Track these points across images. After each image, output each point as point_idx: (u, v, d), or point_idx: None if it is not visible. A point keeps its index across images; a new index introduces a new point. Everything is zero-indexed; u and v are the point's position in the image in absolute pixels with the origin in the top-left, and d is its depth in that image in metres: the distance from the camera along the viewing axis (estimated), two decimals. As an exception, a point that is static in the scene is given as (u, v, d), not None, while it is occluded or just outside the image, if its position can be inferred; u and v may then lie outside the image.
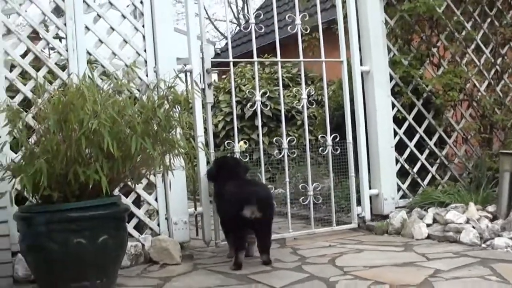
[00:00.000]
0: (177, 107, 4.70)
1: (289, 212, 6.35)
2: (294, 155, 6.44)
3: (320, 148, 6.59)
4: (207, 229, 5.97)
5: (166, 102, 4.60)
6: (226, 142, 6.29)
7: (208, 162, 5.93)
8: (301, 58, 6.58)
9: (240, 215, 5.01)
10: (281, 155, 6.33)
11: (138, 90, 5.04)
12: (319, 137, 6.70)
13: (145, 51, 5.73)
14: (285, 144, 6.28)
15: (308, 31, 6.70)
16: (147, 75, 5.67)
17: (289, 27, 6.53)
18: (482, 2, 7.47)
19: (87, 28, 5.47)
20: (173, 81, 4.69)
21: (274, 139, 6.49)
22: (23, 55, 5.31)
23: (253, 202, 5.03)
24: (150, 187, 5.77)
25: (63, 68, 5.38)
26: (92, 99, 4.22)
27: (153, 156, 4.53)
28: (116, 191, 4.99)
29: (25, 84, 5.21)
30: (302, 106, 6.53)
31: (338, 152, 6.55)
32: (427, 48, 7.23)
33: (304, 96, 6.50)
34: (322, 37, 6.66)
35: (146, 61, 5.72)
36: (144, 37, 5.74)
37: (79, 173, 4.21)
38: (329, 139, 6.51)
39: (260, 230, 5.18)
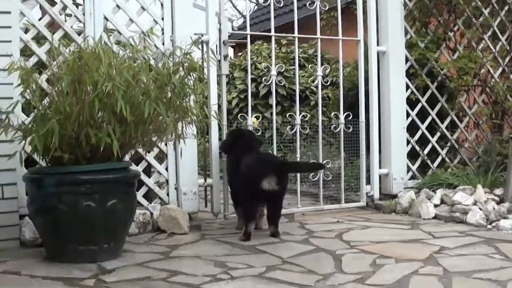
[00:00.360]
0: (192, 75, 4.72)
1: (299, 188, 6.37)
2: (306, 132, 6.45)
3: (333, 126, 6.59)
4: (216, 201, 6.00)
5: (181, 68, 4.62)
6: (239, 116, 6.28)
7: (220, 133, 5.95)
8: (318, 35, 6.57)
9: (258, 187, 5.03)
10: (293, 131, 6.34)
11: (154, 58, 5.04)
12: (332, 115, 6.70)
13: (162, 19, 5.71)
14: (298, 120, 6.29)
15: (327, 8, 6.68)
16: (163, 44, 5.66)
17: (308, 3, 6.52)
18: (501, -11, 7.46)
19: (105, -8, 5.48)
20: (189, 47, 4.71)
21: (287, 115, 6.49)
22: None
23: (272, 174, 5.05)
24: (161, 159, 5.79)
25: (79, 33, 5.39)
26: (107, 62, 4.23)
27: (166, 122, 4.56)
28: (127, 157, 5.01)
29: (39, 47, 5.22)
30: (317, 84, 6.52)
31: (350, 130, 6.56)
32: (444, 32, 7.24)
33: (320, 73, 6.48)
34: (341, 17, 6.64)
35: (163, 30, 5.71)
36: (162, 5, 5.72)
37: (91, 136, 4.23)
38: (342, 117, 6.52)
39: (274, 201, 5.21)
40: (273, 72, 6.26)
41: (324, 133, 6.73)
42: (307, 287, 3.70)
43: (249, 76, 6.39)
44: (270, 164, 5.22)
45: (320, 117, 6.50)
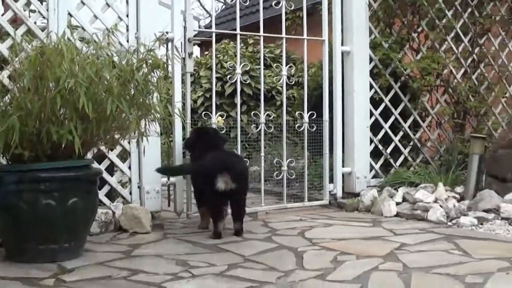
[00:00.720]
0: (156, 72, 4.71)
1: (263, 187, 6.36)
2: (271, 131, 6.46)
3: (297, 125, 6.61)
4: (179, 200, 5.98)
5: (145, 65, 4.60)
6: (203, 113, 6.28)
7: (184, 132, 5.94)
8: (284, 34, 6.58)
9: (214, 186, 5.03)
10: (257, 130, 6.34)
11: (118, 55, 5.01)
12: (296, 114, 6.72)
13: (127, 16, 5.70)
14: (262, 119, 6.29)
15: (292, 7, 6.70)
16: (128, 41, 5.63)
17: (273, 3, 6.52)
18: (464, -9, 7.56)
19: (69, -12, 5.43)
20: (153, 44, 4.69)
21: (252, 113, 6.49)
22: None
23: (227, 173, 5.04)
24: (124, 157, 5.76)
25: (43, 30, 5.32)
26: (70, 58, 4.20)
27: (129, 120, 4.54)
28: (89, 155, 4.98)
29: (2, 42, 5.15)
30: (282, 82, 6.54)
31: (314, 130, 6.58)
32: (408, 32, 7.32)
33: (284, 72, 6.50)
34: (307, 18, 6.66)
35: (127, 26, 5.70)
36: (127, 1, 5.70)
37: (52, 133, 4.18)
38: (306, 116, 6.53)
39: (235, 200, 5.20)
40: (238, 70, 6.26)
41: (289, 133, 6.74)
42: (268, 284, 3.71)
43: (214, 74, 6.38)
44: (226, 163, 5.20)
45: (285, 116, 6.50)
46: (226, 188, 5.03)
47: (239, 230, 5.22)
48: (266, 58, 10.69)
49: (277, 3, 6.49)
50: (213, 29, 6.31)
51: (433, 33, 7.32)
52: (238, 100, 6.37)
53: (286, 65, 6.53)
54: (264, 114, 6.32)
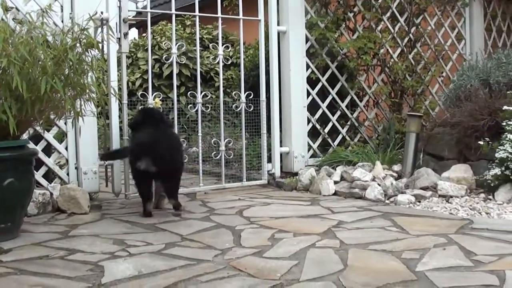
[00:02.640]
0: (90, 52, 4.66)
1: (201, 168, 6.38)
2: (209, 111, 6.46)
3: (234, 106, 6.63)
4: (117, 181, 5.97)
5: (78, 45, 4.55)
6: (140, 95, 6.24)
7: (120, 114, 5.90)
8: (219, 14, 6.57)
9: (138, 167, 5.09)
10: (195, 110, 6.33)
11: (52, 35, 4.93)
12: (233, 94, 6.73)
13: (62, -4, 5.62)
14: (199, 99, 6.28)
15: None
16: (62, 21, 5.57)
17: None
18: (400, -29, 7.63)
19: (2, -32, 5.33)
20: (86, 23, 4.64)
21: (189, 94, 6.48)
22: None
23: (148, 156, 5.05)
24: (62, 139, 5.71)
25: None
26: (2, 37, 4.13)
27: (64, 99, 4.49)
28: (25, 136, 4.92)
29: None
30: (218, 62, 6.53)
31: (251, 110, 6.61)
32: (344, 12, 7.36)
33: (221, 52, 6.50)
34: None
35: (62, 7, 5.64)
36: (62, -19, 5.63)
37: (-14, 113, 4.13)
38: (243, 96, 6.56)
39: (163, 181, 5.25)
40: (174, 50, 6.25)
41: (228, 114, 6.75)
42: (205, 261, 3.72)
43: (150, 55, 6.34)
44: (147, 147, 5.16)
45: (222, 97, 6.50)
46: (149, 171, 5.06)
47: (175, 205, 5.26)
48: (204, 40, 10.66)
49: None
50: (148, 9, 6.26)
51: (369, 13, 7.38)
52: (174, 80, 6.37)
53: (222, 46, 6.52)
54: (201, 94, 6.30)
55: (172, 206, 5.28)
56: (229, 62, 6.83)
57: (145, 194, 5.27)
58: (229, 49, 6.71)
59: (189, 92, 6.54)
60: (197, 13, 6.42)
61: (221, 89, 6.54)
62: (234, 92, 6.72)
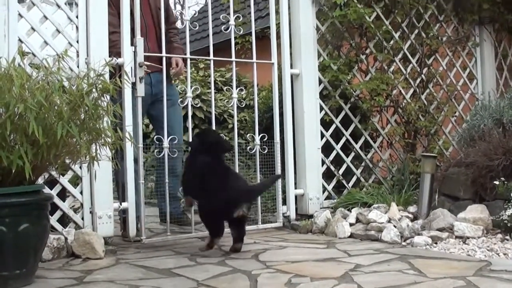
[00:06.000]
0: (106, 97, 4.69)
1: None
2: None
3: (248, 148, 6.63)
4: (132, 225, 5.95)
5: (94, 90, 4.58)
6: (156, 138, 6.27)
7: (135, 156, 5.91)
8: (233, 58, 6.63)
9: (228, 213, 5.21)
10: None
11: (68, 80, 4.97)
12: (247, 137, 6.74)
13: (77, 41, 5.68)
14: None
15: (241, 32, 6.76)
16: (78, 66, 5.61)
17: (223, 27, 6.58)
18: (411, 14, 7.70)
19: (20, 15, 5.39)
20: (102, 69, 4.67)
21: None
22: None
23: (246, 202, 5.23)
24: (76, 182, 5.71)
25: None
26: (19, 83, 4.17)
27: (79, 144, 4.51)
28: (40, 181, 4.93)
29: None
30: (232, 105, 6.57)
31: (266, 152, 6.60)
32: (356, 54, 7.38)
33: (235, 95, 6.54)
34: (256, 41, 6.73)
35: (78, 52, 5.68)
36: (77, 27, 5.70)
37: (3, 158, 4.13)
38: (257, 138, 6.56)
39: (238, 222, 5.35)
40: (189, 94, 6.27)
41: (242, 155, 6.75)
42: (222, 307, 3.70)
43: (165, 98, 6.34)
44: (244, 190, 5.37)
45: (236, 138, 6.53)
46: (239, 215, 5.20)
47: (238, 249, 5.38)
48: (217, 82, 10.73)
49: (226, 28, 6.55)
50: (164, 53, 6.29)
51: (381, 54, 7.42)
52: (189, 123, 6.38)
53: (236, 88, 6.56)
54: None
55: (234, 249, 5.37)
56: (243, 105, 6.81)
57: (219, 232, 5.39)
58: (243, 92, 6.72)
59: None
60: (211, 57, 6.47)
61: (236, 132, 6.56)
62: (248, 135, 6.73)
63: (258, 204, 6.57)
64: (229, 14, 6.55)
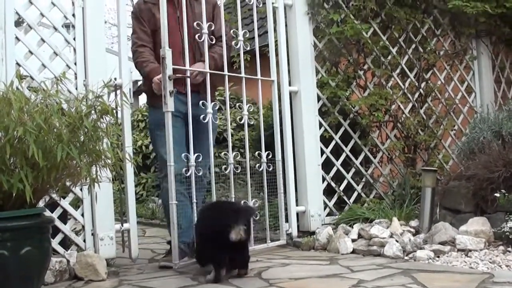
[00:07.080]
0: (105, 118, 4.69)
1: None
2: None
3: (257, 165, 6.57)
4: (134, 246, 5.94)
5: (93, 111, 4.58)
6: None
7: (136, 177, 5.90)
8: (243, 74, 6.57)
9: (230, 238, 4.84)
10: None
11: (67, 102, 4.97)
12: (248, 155, 6.68)
13: (75, 64, 5.70)
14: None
15: (248, 48, 6.77)
16: (76, 88, 5.62)
17: (233, 42, 6.50)
18: (407, 29, 7.74)
19: (17, 38, 5.41)
20: (101, 90, 4.68)
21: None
22: None
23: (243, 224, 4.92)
24: (77, 205, 5.71)
25: (-9, 80, 5.30)
26: (18, 106, 4.17)
27: (80, 166, 4.50)
28: (41, 203, 4.92)
29: None
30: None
31: (269, 169, 6.57)
32: (354, 70, 7.41)
33: (245, 112, 6.50)
34: (253, 61, 6.76)
35: (76, 74, 5.70)
36: (75, 50, 5.72)
37: (3, 182, 4.12)
38: (264, 155, 6.52)
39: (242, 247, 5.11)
40: (209, 110, 6.13)
41: (242, 174, 6.72)
42: (226, 326, 3.69)
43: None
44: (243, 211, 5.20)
45: (248, 156, 6.54)
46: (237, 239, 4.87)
47: (245, 274, 5.16)
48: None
49: (236, 44, 6.47)
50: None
51: (379, 70, 7.44)
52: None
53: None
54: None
55: (239, 275, 5.14)
56: (251, 122, 6.71)
57: (224, 262, 5.00)
58: (251, 108, 6.64)
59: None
60: (226, 72, 6.35)
61: (247, 150, 6.57)
62: (257, 152, 6.67)
63: (266, 222, 6.54)
64: (237, 28, 6.51)
